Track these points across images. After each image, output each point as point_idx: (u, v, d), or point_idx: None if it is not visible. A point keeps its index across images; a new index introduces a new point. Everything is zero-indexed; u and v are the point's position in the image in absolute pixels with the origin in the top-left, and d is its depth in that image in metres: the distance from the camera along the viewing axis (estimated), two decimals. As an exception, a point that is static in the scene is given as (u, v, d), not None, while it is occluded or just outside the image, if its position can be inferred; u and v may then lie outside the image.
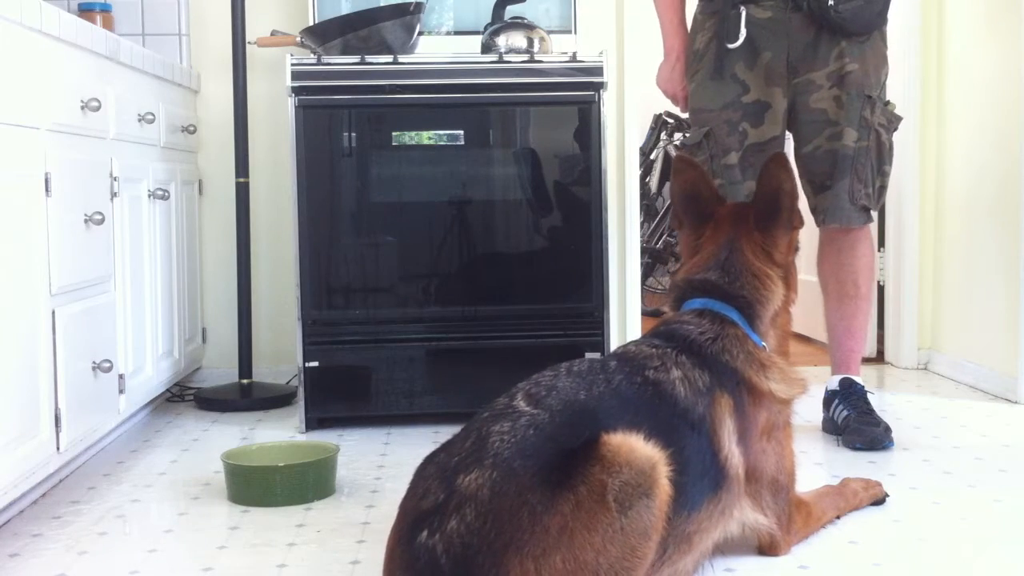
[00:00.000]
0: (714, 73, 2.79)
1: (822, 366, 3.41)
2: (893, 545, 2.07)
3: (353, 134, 3.12)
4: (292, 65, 3.05)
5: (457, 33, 3.64)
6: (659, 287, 5.66)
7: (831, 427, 2.89)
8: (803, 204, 2.23)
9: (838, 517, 2.17)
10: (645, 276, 5.23)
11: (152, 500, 2.46)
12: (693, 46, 2.89)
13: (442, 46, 3.56)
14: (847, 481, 2.27)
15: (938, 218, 3.84)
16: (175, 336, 3.32)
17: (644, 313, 3.94)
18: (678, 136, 5.72)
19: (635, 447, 1.56)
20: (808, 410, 2.90)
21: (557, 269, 3.17)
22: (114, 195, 2.74)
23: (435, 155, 3.13)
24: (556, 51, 3.36)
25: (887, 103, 2.84)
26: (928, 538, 2.10)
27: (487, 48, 3.30)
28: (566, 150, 3.18)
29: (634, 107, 3.81)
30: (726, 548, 1.91)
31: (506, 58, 3.15)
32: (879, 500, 2.28)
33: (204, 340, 3.72)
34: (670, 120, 5.81)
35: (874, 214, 2.89)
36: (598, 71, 3.12)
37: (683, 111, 3.08)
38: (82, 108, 2.52)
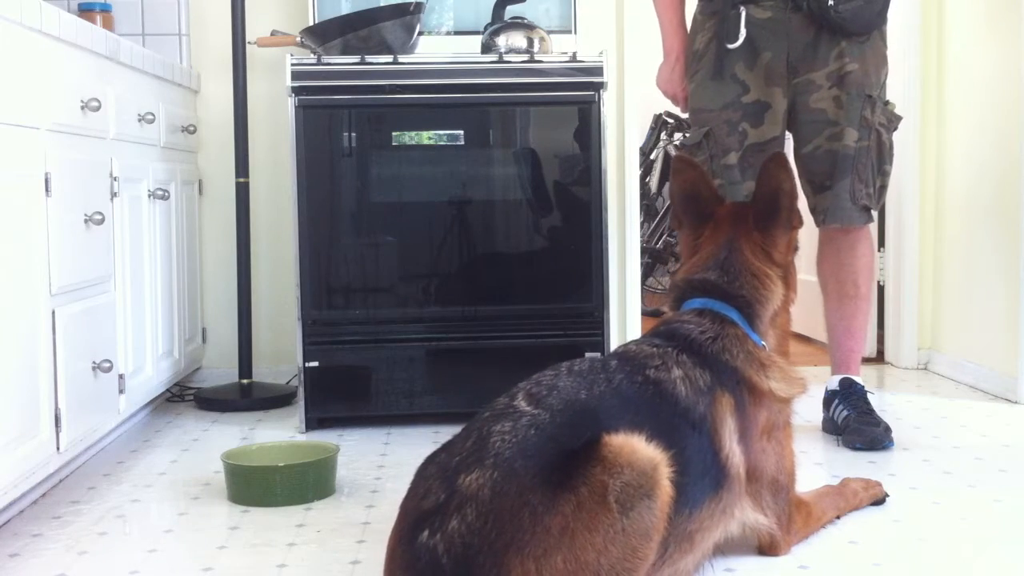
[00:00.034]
0: (714, 73, 2.79)
1: (822, 366, 3.41)
2: (893, 545, 2.07)
3: (353, 134, 3.12)
4: (292, 65, 3.05)
5: (457, 33, 3.64)
6: (659, 287, 5.66)
7: (831, 427, 2.89)
8: (802, 204, 2.23)
9: (838, 517, 2.17)
10: (645, 276, 5.23)
11: (152, 500, 2.46)
12: (693, 46, 2.89)
13: (442, 46, 3.56)
14: (847, 481, 2.27)
15: (938, 218, 3.84)
16: (175, 336, 3.32)
17: (644, 313, 3.94)
18: (678, 136, 5.72)
19: (637, 448, 1.56)
20: (808, 410, 2.90)
21: (557, 269, 3.17)
22: (114, 195, 2.74)
23: (435, 155, 3.13)
24: (556, 51, 3.36)
25: (887, 103, 2.84)
26: (928, 538, 2.10)
27: (487, 48, 3.30)
28: (566, 150, 3.19)
29: (634, 107, 3.81)
30: (726, 548, 1.91)
31: (506, 58, 3.15)
32: (879, 500, 2.28)
33: (204, 340, 3.72)
34: (670, 120, 5.81)
35: (874, 214, 2.89)
36: (598, 71, 3.12)
37: (683, 111, 3.08)
38: (82, 108, 2.52)
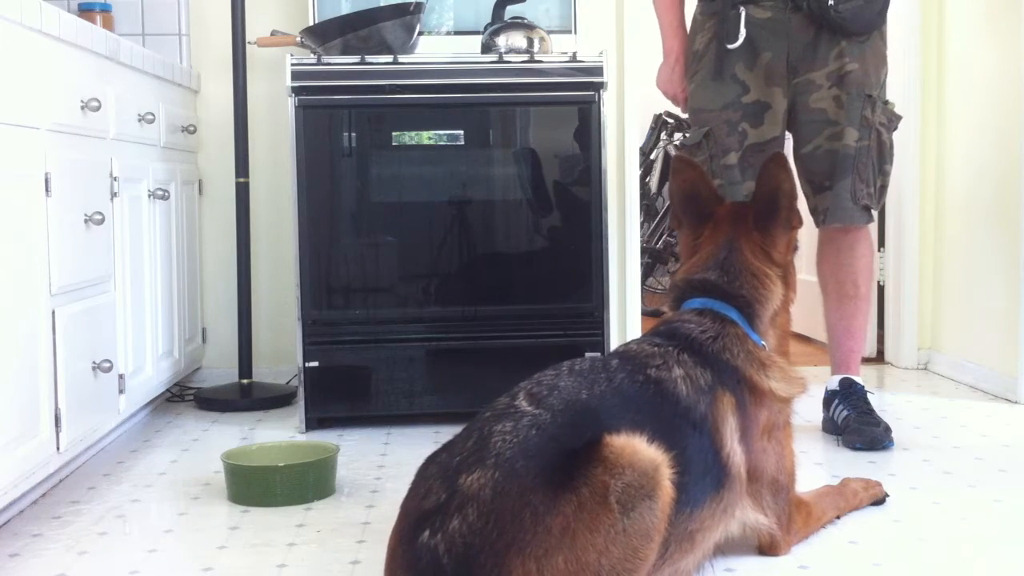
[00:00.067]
0: (714, 73, 2.79)
1: (822, 366, 3.41)
2: (893, 545, 2.07)
3: (353, 134, 3.12)
4: (292, 65, 3.05)
5: (457, 33, 3.64)
6: (659, 287, 5.66)
7: (831, 427, 2.89)
8: (802, 204, 2.23)
9: (838, 517, 2.17)
10: (645, 276, 5.23)
11: (152, 500, 2.46)
12: (693, 47, 2.89)
13: (442, 46, 3.56)
14: (847, 481, 2.27)
15: (938, 218, 3.84)
16: (175, 336, 3.32)
17: (644, 313, 3.95)
18: (678, 136, 5.72)
19: (638, 448, 1.56)
20: (808, 410, 2.90)
21: (557, 269, 3.17)
22: (114, 195, 2.74)
23: (435, 155, 3.13)
24: (556, 51, 3.36)
25: (887, 102, 2.84)
26: (928, 538, 2.10)
27: (487, 48, 3.30)
28: (566, 150, 3.19)
29: (634, 107, 3.82)
30: (726, 548, 1.91)
31: (506, 58, 3.15)
32: (879, 500, 2.28)
33: (204, 340, 3.72)
34: (670, 120, 5.81)
35: (875, 214, 2.89)
36: (598, 71, 3.12)
37: (683, 112, 3.08)
38: (82, 108, 2.52)
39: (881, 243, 4.00)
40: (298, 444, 2.68)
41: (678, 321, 1.93)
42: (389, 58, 3.11)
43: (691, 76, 2.89)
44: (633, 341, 1.95)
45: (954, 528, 2.17)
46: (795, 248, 2.08)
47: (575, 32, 3.65)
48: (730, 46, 2.76)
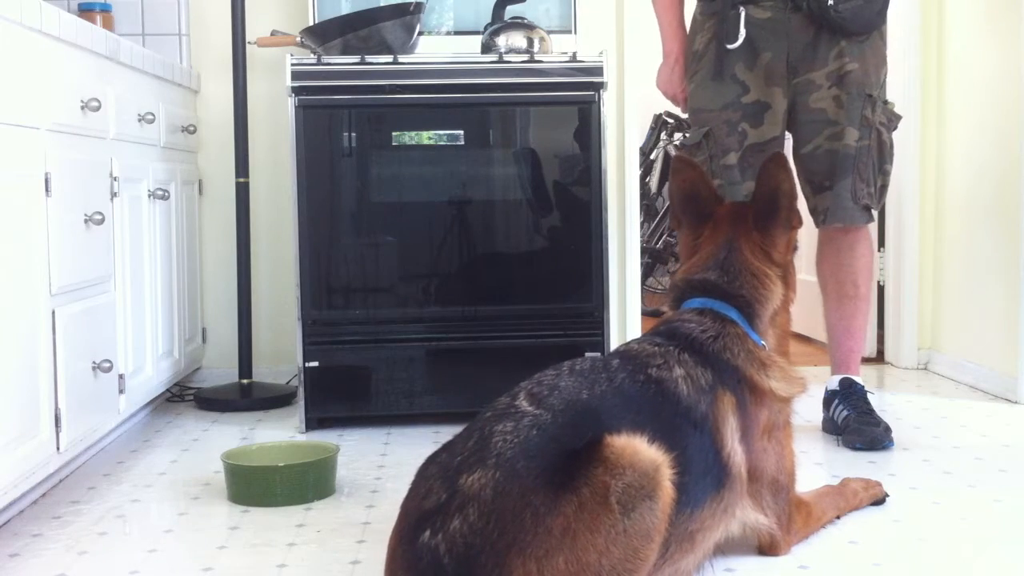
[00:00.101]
0: (714, 74, 2.79)
1: (822, 366, 3.41)
2: (893, 545, 2.07)
3: (353, 134, 3.12)
4: (292, 65, 3.05)
5: (457, 33, 3.64)
6: (659, 287, 5.66)
7: (831, 427, 2.89)
8: (802, 204, 2.23)
9: (838, 517, 2.17)
10: (645, 276, 5.23)
11: (152, 500, 2.46)
12: (692, 47, 2.89)
13: (442, 46, 3.56)
14: (847, 481, 2.27)
15: (938, 218, 3.84)
16: (175, 336, 3.32)
17: (644, 313, 3.95)
18: (678, 136, 5.72)
19: (639, 449, 1.56)
20: (808, 410, 2.90)
21: (557, 269, 3.17)
22: (114, 195, 2.74)
23: (435, 155, 3.13)
24: (556, 51, 3.36)
25: (887, 102, 2.84)
26: (928, 538, 2.10)
27: (487, 48, 3.30)
28: (566, 150, 3.19)
29: (634, 107, 3.82)
30: (726, 548, 1.91)
31: (506, 58, 3.15)
32: (879, 500, 2.28)
33: (204, 340, 3.72)
34: (670, 120, 5.81)
35: (875, 213, 2.89)
36: (598, 71, 3.12)
37: (683, 112, 3.08)
38: (82, 108, 2.52)
39: (881, 243, 4.00)
40: (298, 444, 2.68)
41: (678, 321, 1.93)
42: (389, 58, 3.11)
43: (691, 76, 2.89)
44: (634, 341, 1.95)
45: (954, 528, 2.17)
46: (795, 248, 2.09)
47: (575, 32, 3.65)
48: (730, 46, 2.76)
